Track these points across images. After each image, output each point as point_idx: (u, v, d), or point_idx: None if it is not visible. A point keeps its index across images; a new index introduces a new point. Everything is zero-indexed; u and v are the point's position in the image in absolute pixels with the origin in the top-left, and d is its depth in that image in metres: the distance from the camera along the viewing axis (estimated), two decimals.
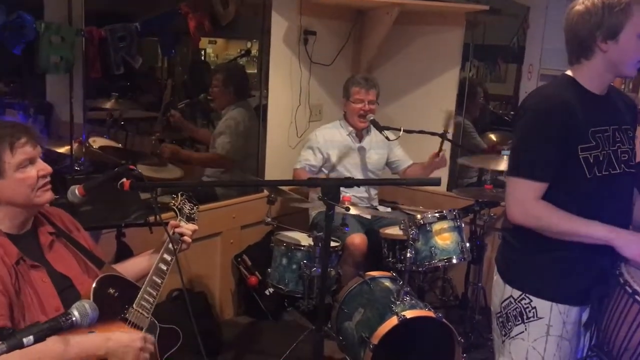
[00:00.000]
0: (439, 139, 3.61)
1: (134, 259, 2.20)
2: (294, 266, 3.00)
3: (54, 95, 3.51)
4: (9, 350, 1.21)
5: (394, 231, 3.22)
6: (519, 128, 1.90)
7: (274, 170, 3.83)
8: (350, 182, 1.96)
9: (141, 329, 1.89)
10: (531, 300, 1.93)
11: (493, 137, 4.46)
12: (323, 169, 3.64)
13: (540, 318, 1.92)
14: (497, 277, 2.05)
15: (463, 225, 3.16)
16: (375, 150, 3.72)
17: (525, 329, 1.95)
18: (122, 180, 1.96)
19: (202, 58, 5.84)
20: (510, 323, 1.98)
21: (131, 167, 2.02)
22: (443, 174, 4.01)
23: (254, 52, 4.91)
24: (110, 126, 4.08)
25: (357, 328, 2.86)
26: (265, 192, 3.53)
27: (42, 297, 1.75)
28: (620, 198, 1.95)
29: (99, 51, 2.79)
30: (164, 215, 2.21)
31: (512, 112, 4.71)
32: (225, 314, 3.68)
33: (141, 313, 1.90)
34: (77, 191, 1.96)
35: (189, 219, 2.20)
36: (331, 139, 3.62)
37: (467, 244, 3.15)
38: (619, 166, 1.90)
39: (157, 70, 5.43)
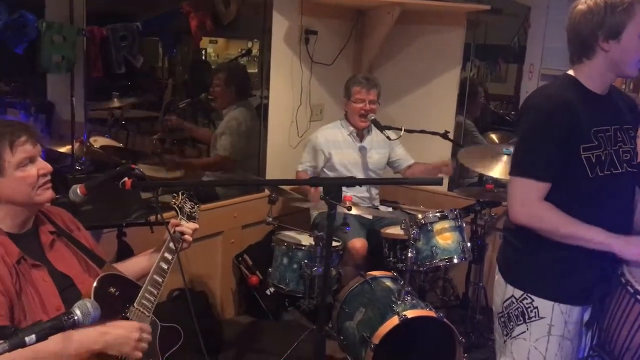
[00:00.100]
0: (440, 139, 3.62)
1: (134, 258, 2.20)
2: (295, 266, 3.00)
3: (55, 94, 3.51)
4: (11, 349, 1.21)
5: (395, 231, 3.22)
6: (522, 128, 1.90)
7: (275, 169, 3.83)
8: (352, 182, 1.95)
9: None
10: (533, 300, 1.93)
11: (494, 136, 4.46)
12: (324, 169, 3.64)
13: (542, 318, 1.92)
14: (498, 277, 2.05)
15: (464, 225, 3.17)
16: (376, 150, 3.71)
17: (527, 329, 1.95)
18: (123, 180, 1.96)
19: (203, 57, 5.84)
20: (512, 323, 1.98)
21: (132, 166, 2.02)
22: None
23: (255, 51, 4.91)
24: (111, 125, 4.08)
25: (358, 328, 2.86)
26: (266, 192, 3.53)
27: (44, 297, 1.74)
28: (621, 197, 1.95)
29: (101, 50, 2.78)
30: (165, 215, 2.21)
31: (512, 112, 4.71)
32: (226, 314, 3.68)
33: (142, 312, 1.90)
34: (78, 190, 1.96)
35: (190, 217, 2.20)
36: (332, 139, 3.62)
37: (468, 244, 3.15)
38: (620, 166, 1.91)
39: (157, 70, 5.43)
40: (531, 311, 1.93)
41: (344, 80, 3.72)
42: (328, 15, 3.97)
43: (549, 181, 1.84)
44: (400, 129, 3.52)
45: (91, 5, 2.77)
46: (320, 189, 2.45)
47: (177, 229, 2.11)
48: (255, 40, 4.74)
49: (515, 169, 1.90)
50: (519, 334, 1.97)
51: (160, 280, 1.99)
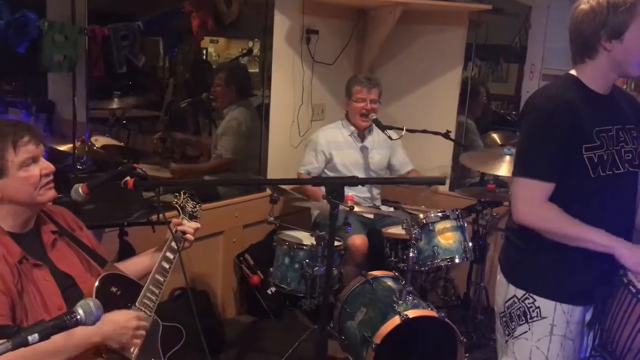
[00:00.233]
0: (442, 138, 3.63)
1: (136, 258, 2.20)
2: (297, 265, 3.00)
3: (56, 93, 3.51)
4: (14, 348, 1.21)
5: (397, 231, 3.22)
6: (524, 128, 1.90)
7: (276, 169, 3.83)
8: (354, 181, 1.95)
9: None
10: (535, 300, 1.93)
11: (495, 136, 4.46)
12: (325, 169, 3.64)
13: (544, 318, 1.92)
14: (500, 277, 2.05)
15: (466, 225, 3.17)
16: (378, 151, 3.71)
17: (529, 329, 1.95)
18: (126, 179, 1.96)
19: (204, 57, 5.85)
20: (513, 323, 1.98)
21: (135, 165, 2.02)
22: (446, 173, 4.02)
23: (256, 51, 4.91)
24: (112, 125, 4.09)
25: (360, 327, 2.86)
26: (268, 191, 3.53)
27: (45, 296, 1.75)
28: (623, 197, 1.95)
29: (102, 50, 2.78)
30: (167, 214, 2.21)
31: (514, 112, 4.71)
32: (227, 313, 3.68)
33: (144, 311, 1.90)
34: (80, 190, 1.96)
35: (192, 217, 2.20)
36: (333, 139, 3.62)
37: (470, 244, 3.15)
38: (622, 166, 1.90)
39: (158, 70, 5.44)
40: (533, 311, 1.93)
41: (345, 79, 3.71)
42: (329, 15, 3.97)
43: (552, 181, 1.84)
44: (402, 129, 3.53)
45: (92, 5, 2.77)
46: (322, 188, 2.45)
47: (179, 228, 2.11)
48: (256, 39, 4.75)
49: (519, 170, 1.90)
50: (520, 334, 1.97)
51: (162, 279, 1.99)
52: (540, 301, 1.92)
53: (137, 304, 1.89)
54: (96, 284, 1.80)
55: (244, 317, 3.72)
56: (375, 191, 3.76)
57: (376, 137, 3.71)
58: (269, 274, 3.13)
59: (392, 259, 3.19)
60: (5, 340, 1.21)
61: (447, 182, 4.03)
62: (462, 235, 3.11)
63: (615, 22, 1.79)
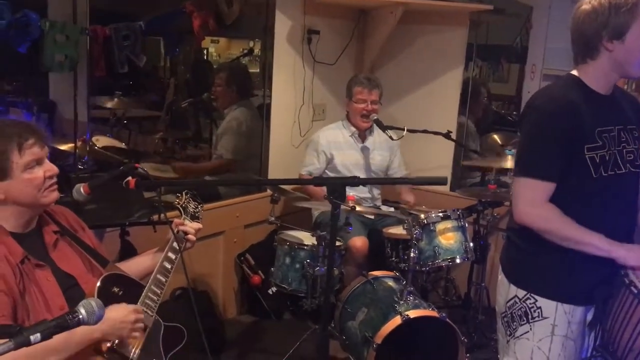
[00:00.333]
0: (443, 138, 3.63)
1: (138, 258, 2.20)
2: (297, 265, 3.01)
3: (57, 93, 3.51)
4: (16, 347, 1.21)
5: (398, 231, 3.22)
6: (526, 129, 1.90)
7: (277, 169, 3.83)
8: (356, 181, 1.95)
9: (146, 327, 1.89)
10: (536, 300, 1.93)
11: (496, 137, 4.46)
12: (326, 170, 3.64)
13: (546, 318, 1.92)
14: (501, 277, 2.05)
15: (466, 225, 3.17)
16: (379, 152, 3.72)
17: (530, 329, 1.95)
18: (127, 179, 1.96)
19: (205, 57, 5.85)
20: (515, 323, 1.98)
21: (136, 165, 2.02)
22: (446, 174, 4.02)
23: (257, 51, 4.91)
24: (113, 125, 4.09)
25: (361, 327, 2.86)
26: (269, 191, 3.53)
27: (47, 296, 1.75)
28: (624, 198, 1.94)
29: (103, 50, 2.78)
30: (168, 214, 2.21)
31: (514, 112, 4.71)
32: (228, 313, 3.68)
33: (146, 311, 1.90)
34: (82, 189, 1.97)
35: (194, 217, 2.21)
36: (334, 140, 3.62)
37: (471, 244, 3.15)
38: (624, 166, 1.90)
39: (159, 70, 5.45)
40: (534, 311, 1.93)
41: (346, 80, 3.71)
42: (330, 15, 3.97)
43: (553, 181, 1.84)
44: (403, 129, 3.53)
45: (94, 4, 2.77)
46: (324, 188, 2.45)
47: (181, 228, 2.11)
48: (257, 40, 4.75)
49: (520, 170, 1.90)
50: (522, 334, 1.97)
51: (163, 279, 1.99)
52: (542, 301, 1.92)
53: (138, 304, 1.89)
54: (98, 284, 1.81)
55: (245, 317, 3.72)
56: (376, 191, 3.76)
57: (377, 137, 3.71)
58: (269, 274, 3.13)
59: (393, 259, 3.19)
60: (7, 339, 1.21)
61: (449, 181, 4.03)
62: (463, 236, 3.12)
63: (617, 22, 1.79)
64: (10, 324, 1.60)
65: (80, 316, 1.33)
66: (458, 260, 3.09)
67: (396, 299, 2.84)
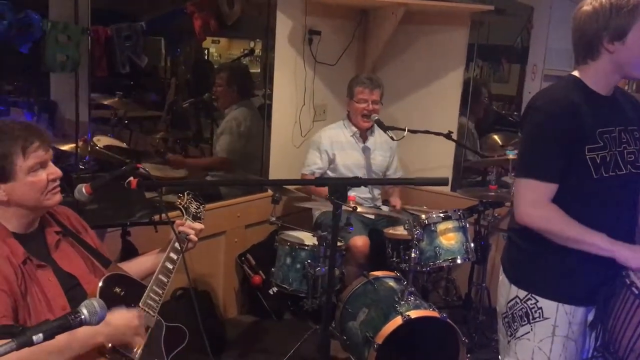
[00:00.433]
0: (443, 139, 3.63)
1: (140, 258, 2.20)
2: (298, 265, 3.01)
3: (58, 93, 3.51)
4: (19, 347, 1.22)
5: (399, 231, 3.23)
6: (527, 130, 1.90)
7: (278, 169, 3.83)
8: (357, 182, 1.96)
9: (148, 327, 1.89)
10: (537, 301, 1.93)
11: (497, 137, 4.46)
12: (327, 170, 3.64)
13: (547, 318, 1.92)
14: (502, 278, 2.06)
15: (467, 226, 3.17)
16: (379, 152, 3.72)
17: (531, 329, 1.95)
18: (129, 179, 1.96)
19: (206, 57, 5.84)
20: (516, 323, 1.98)
21: (138, 165, 2.02)
22: (447, 174, 4.02)
23: (257, 51, 4.91)
24: (114, 125, 4.09)
25: (362, 328, 2.86)
26: (270, 192, 3.53)
27: (49, 297, 1.75)
28: (625, 199, 1.95)
29: (105, 50, 2.78)
30: (170, 214, 2.21)
31: (515, 113, 4.70)
32: (229, 313, 3.68)
33: (147, 312, 1.90)
34: (84, 190, 1.97)
35: (195, 218, 2.21)
36: (336, 139, 3.62)
37: (472, 244, 3.15)
38: (625, 167, 1.90)
39: (160, 70, 5.44)
40: (535, 312, 1.93)
41: (347, 80, 3.72)
42: (332, 15, 3.97)
43: (555, 182, 1.84)
44: (404, 129, 3.53)
45: (95, 5, 2.77)
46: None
47: (182, 229, 2.11)
48: (258, 40, 4.75)
49: (521, 170, 1.90)
50: (523, 335, 1.97)
51: (165, 280, 1.99)
52: (543, 302, 1.92)
53: (140, 304, 1.90)
54: (100, 284, 1.81)
55: (246, 317, 3.72)
56: (376, 192, 3.77)
57: (378, 138, 3.71)
58: (270, 274, 3.13)
59: (394, 259, 3.19)
60: (9, 339, 1.21)
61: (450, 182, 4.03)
62: (464, 236, 3.12)
63: (618, 23, 1.79)
64: (11, 324, 1.61)
65: (83, 316, 1.33)
66: (459, 261, 3.10)
67: (397, 299, 2.85)
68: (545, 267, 1.93)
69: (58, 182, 1.83)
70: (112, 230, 2.73)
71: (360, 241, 3.27)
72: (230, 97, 3.93)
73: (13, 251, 1.72)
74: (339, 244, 3.04)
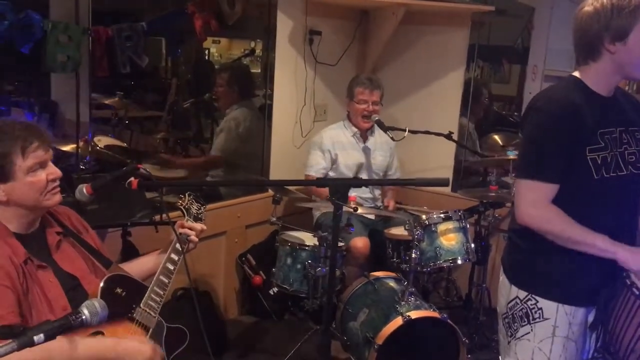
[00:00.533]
0: (444, 139, 3.63)
1: (140, 259, 2.20)
2: (299, 266, 3.01)
3: (59, 93, 3.51)
4: (20, 348, 1.22)
5: (399, 231, 3.22)
6: (527, 130, 1.90)
7: (278, 170, 3.83)
8: (358, 182, 1.96)
9: (148, 328, 1.89)
10: (537, 301, 1.93)
11: (497, 138, 4.46)
12: (330, 170, 3.64)
13: (547, 319, 1.92)
14: (503, 278, 2.06)
15: (468, 226, 3.17)
16: (380, 152, 3.72)
17: (531, 330, 1.95)
18: (130, 179, 1.96)
19: (206, 57, 5.84)
20: (516, 324, 1.98)
21: (139, 166, 2.03)
22: (448, 174, 4.02)
23: (258, 51, 4.91)
24: (115, 125, 4.09)
25: (362, 328, 2.86)
26: (270, 192, 3.53)
27: (50, 297, 1.75)
28: (626, 199, 1.94)
29: (106, 50, 2.79)
30: (170, 214, 2.22)
31: (515, 113, 4.71)
32: (229, 313, 3.68)
33: (148, 313, 1.90)
34: (85, 190, 1.97)
35: (196, 219, 2.21)
36: (337, 140, 3.62)
37: (472, 245, 3.15)
38: (625, 168, 1.90)
39: (161, 70, 5.44)
40: (535, 312, 1.93)
41: (348, 80, 3.72)
42: (332, 16, 3.97)
43: (555, 182, 1.84)
44: (405, 130, 3.53)
45: (96, 5, 2.77)
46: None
47: (182, 230, 2.11)
48: (259, 40, 4.75)
49: (522, 171, 1.90)
50: (523, 335, 1.97)
51: (166, 281, 1.99)
52: (543, 302, 1.92)
53: (141, 305, 1.90)
54: (101, 284, 1.81)
55: (246, 317, 3.72)
56: (377, 192, 3.77)
57: (378, 138, 3.72)
58: (271, 275, 3.13)
59: (395, 259, 3.19)
60: (11, 340, 1.21)
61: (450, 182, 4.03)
62: (465, 237, 3.12)
63: (619, 24, 1.79)
64: (13, 325, 1.61)
65: (83, 317, 1.33)
66: (459, 261, 3.10)
67: (397, 299, 2.85)
68: (546, 268, 1.93)
69: (58, 183, 1.83)
70: (112, 231, 2.73)
71: (360, 243, 3.27)
72: (231, 98, 3.92)
73: (14, 251, 1.72)
74: (339, 244, 3.04)
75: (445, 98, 4.11)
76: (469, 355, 2.85)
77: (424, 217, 3.09)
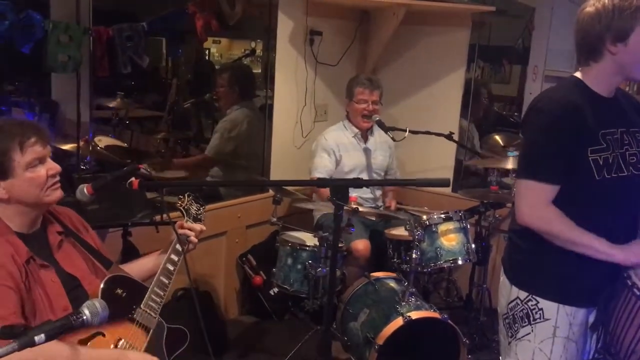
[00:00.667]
0: (444, 140, 3.63)
1: (141, 259, 2.20)
2: (299, 266, 3.00)
3: (59, 93, 3.52)
4: (21, 348, 1.22)
5: (400, 232, 3.22)
6: (528, 131, 1.90)
7: (279, 170, 3.83)
8: (359, 183, 1.96)
9: (149, 329, 1.89)
10: (538, 302, 1.93)
11: (498, 138, 4.46)
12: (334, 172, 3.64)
13: (547, 319, 1.92)
14: (503, 278, 2.06)
15: (468, 227, 3.17)
16: (380, 152, 3.72)
17: (532, 331, 1.95)
18: (130, 180, 1.96)
19: (207, 57, 5.85)
20: (516, 324, 1.98)
21: (139, 166, 2.02)
22: (448, 175, 4.02)
23: (259, 52, 4.92)
24: (115, 125, 4.09)
25: (362, 328, 2.86)
26: (271, 192, 3.53)
27: (51, 297, 1.76)
28: (626, 200, 1.94)
29: (106, 50, 2.79)
30: (171, 215, 2.21)
31: (516, 114, 4.71)
32: (229, 314, 3.68)
33: (149, 313, 1.90)
34: (85, 190, 1.97)
35: (196, 219, 2.20)
36: (340, 141, 3.62)
37: (473, 245, 3.15)
38: (626, 169, 1.90)
39: (161, 70, 5.44)
40: (536, 313, 1.93)
41: (348, 80, 3.71)
42: (333, 16, 3.97)
43: (556, 183, 1.84)
44: (405, 130, 3.53)
45: (97, 5, 2.77)
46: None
47: (182, 231, 2.11)
48: (259, 40, 4.75)
49: (523, 172, 1.90)
50: (523, 336, 1.97)
51: (166, 281, 1.99)
52: (543, 303, 1.92)
53: (142, 306, 1.90)
54: (102, 285, 1.81)
55: (247, 317, 3.72)
56: (378, 192, 3.77)
57: (378, 138, 3.72)
58: (271, 275, 3.13)
59: (395, 260, 3.19)
60: (11, 340, 1.21)
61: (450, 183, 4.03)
62: (465, 237, 3.12)
63: (621, 25, 1.79)
64: (14, 325, 1.61)
65: (84, 317, 1.34)
66: (460, 262, 3.10)
67: (398, 300, 2.85)
68: (546, 268, 1.93)
69: (58, 178, 1.83)
70: (113, 231, 2.73)
71: (361, 245, 3.26)
72: (231, 98, 3.93)
73: (17, 250, 1.72)
74: (339, 245, 3.04)
75: (445, 98, 4.10)
76: (470, 356, 2.85)
77: (424, 217, 3.09)
